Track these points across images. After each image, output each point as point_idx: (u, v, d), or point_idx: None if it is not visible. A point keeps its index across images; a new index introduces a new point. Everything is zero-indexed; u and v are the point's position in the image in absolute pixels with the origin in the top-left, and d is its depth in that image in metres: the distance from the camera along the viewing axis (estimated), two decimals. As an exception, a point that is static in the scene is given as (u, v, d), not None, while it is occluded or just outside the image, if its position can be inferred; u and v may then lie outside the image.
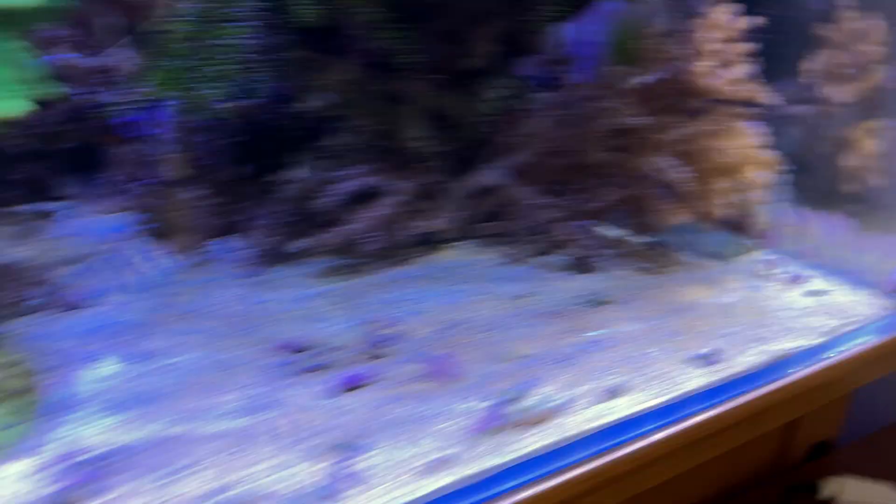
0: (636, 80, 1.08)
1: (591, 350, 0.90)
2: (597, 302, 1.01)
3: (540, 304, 1.02)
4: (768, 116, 1.12)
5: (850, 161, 1.17)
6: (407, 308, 1.00)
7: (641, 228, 1.14)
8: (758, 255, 1.20)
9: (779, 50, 1.18)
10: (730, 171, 1.05)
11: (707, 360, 0.88)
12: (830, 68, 1.20)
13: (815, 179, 1.20)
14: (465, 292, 1.04)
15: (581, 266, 1.10)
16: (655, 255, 1.17)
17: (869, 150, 1.16)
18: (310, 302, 1.01)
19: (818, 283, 1.10)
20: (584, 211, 1.11)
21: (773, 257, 1.19)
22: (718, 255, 1.19)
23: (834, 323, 0.99)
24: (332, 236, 1.05)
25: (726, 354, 0.89)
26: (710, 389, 0.83)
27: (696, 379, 0.85)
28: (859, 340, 0.97)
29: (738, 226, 1.20)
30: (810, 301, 1.06)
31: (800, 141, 1.22)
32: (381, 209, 1.06)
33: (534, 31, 1.14)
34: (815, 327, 0.98)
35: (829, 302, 1.06)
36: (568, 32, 1.11)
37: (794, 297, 1.07)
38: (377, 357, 0.88)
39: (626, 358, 0.88)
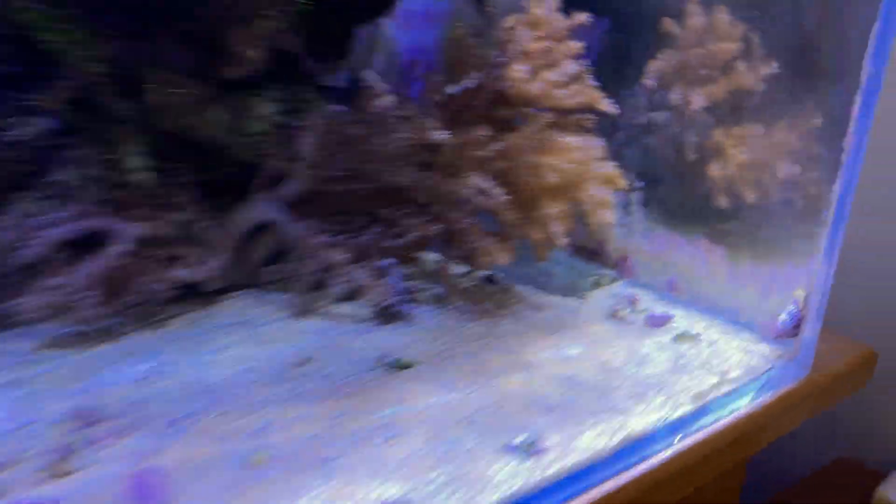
0: (448, 90, 0.86)
1: (373, 440, 0.64)
2: (398, 365, 0.76)
3: (323, 371, 0.76)
4: (616, 126, 0.96)
5: (715, 174, 0.93)
6: (137, 390, 0.71)
7: (468, 262, 0.88)
8: (616, 288, 0.99)
9: (624, 50, 1.01)
10: (565, 189, 0.81)
11: (530, 448, 0.62)
12: (682, 69, 0.98)
13: (678, 197, 0.99)
14: (225, 361, 0.77)
15: (386, 315, 0.84)
16: (487, 294, 0.93)
17: (736, 160, 0.93)
18: (8, 390, 0.72)
19: (687, 325, 0.89)
20: (388, 248, 0.85)
21: (633, 291, 0.97)
22: (569, 291, 0.96)
23: (710, 380, 0.77)
24: (38, 297, 0.75)
25: (559, 437, 0.65)
26: (527, 496, 0.57)
27: (512, 480, 0.59)
28: (744, 401, 0.77)
29: (592, 254, 0.96)
30: (678, 349, 0.84)
31: (656, 153, 1.01)
32: (103, 260, 0.77)
33: (325, 34, 0.92)
34: (685, 387, 0.76)
35: (701, 351, 0.84)
36: (373, 35, 0.95)
37: (658, 344, 0.85)
38: (66, 473, 0.59)
39: (418, 451, 0.63)
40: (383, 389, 0.72)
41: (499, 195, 0.82)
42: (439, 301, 0.90)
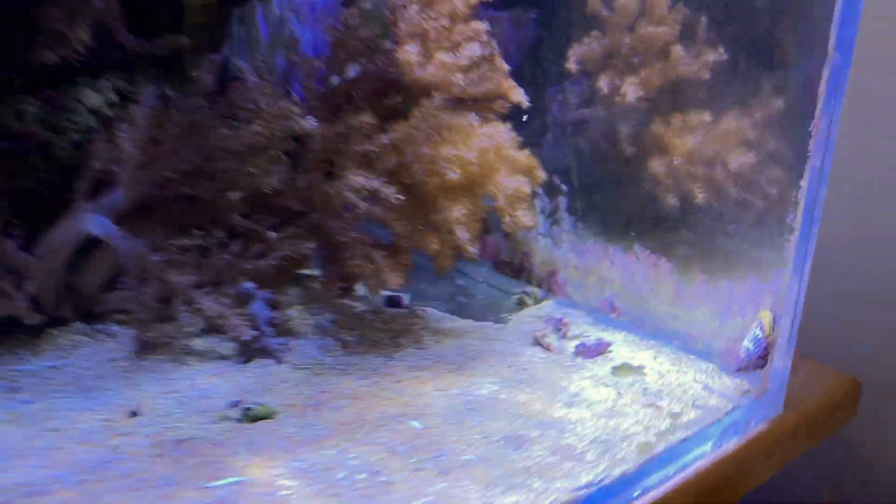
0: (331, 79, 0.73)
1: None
2: (252, 416, 0.60)
3: (152, 427, 0.58)
4: (545, 125, 0.84)
5: (658, 171, 0.78)
6: None
7: (352, 283, 0.72)
8: (543, 308, 0.86)
9: (554, 43, 0.88)
10: (469, 186, 0.65)
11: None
12: (611, 55, 0.85)
13: (614, 201, 0.86)
14: (27, 418, 0.59)
15: (249, 353, 0.67)
16: (386, 320, 0.78)
17: (683, 150, 0.78)
18: None
19: (628, 354, 0.76)
20: (252, 268, 0.67)
21: (563, 312, 0.83)
22: (487, 313, 0.84)
23: (659, 424, 0.62)
24: None
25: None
26: None
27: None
28: (703, 449, 0.63)
29: (517, 269, 0.86)
30: (618, 384, 0.69)
31: (588, 153, 0.88)
32: None
33: (179, 17, 0.77)
34: (627, 434, 0.61)
35: (647, 387, 0.69)
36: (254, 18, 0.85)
37: (593, 378, 0.70)
38: None
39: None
40: (226, 450, 0.55)
41: (390, 197, 0.65)
42: (323, 332, 0.73)
